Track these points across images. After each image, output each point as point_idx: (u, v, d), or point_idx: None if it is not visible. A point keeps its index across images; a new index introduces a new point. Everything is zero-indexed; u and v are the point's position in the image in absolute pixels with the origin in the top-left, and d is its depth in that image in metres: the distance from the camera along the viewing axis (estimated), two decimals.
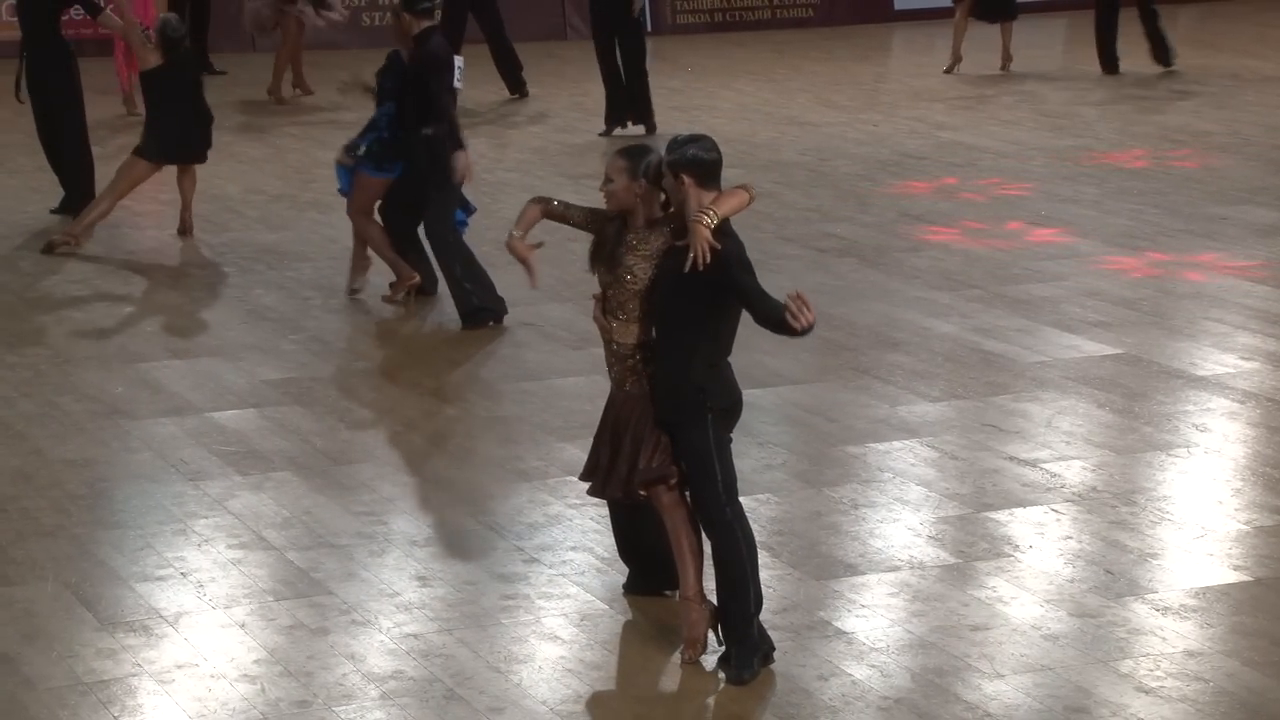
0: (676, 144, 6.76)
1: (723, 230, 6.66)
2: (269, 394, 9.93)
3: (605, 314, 6.97)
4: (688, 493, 6.90)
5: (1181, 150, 15.93)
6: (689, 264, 6.60)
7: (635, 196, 6.87)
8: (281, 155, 16.23)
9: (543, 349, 10.62)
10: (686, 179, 6.70)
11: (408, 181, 11.29)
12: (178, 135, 12.87)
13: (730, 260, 6.64)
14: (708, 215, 6.62)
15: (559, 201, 7.33)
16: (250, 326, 11.33)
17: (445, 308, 11.53)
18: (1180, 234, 13.26)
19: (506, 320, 11.20)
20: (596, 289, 7.06)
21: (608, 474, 7.00)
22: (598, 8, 16.94)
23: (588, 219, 7.15)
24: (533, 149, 16.29)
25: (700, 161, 6.71)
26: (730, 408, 6.87)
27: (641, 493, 6.92)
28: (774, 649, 6.83)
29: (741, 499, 8.06)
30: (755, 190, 6.89)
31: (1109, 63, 19.42)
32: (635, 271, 6.86)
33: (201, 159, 13.16)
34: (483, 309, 11.11)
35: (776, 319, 6.57)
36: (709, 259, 6.58)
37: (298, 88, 18.72)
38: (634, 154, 6.93)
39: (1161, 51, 19.36)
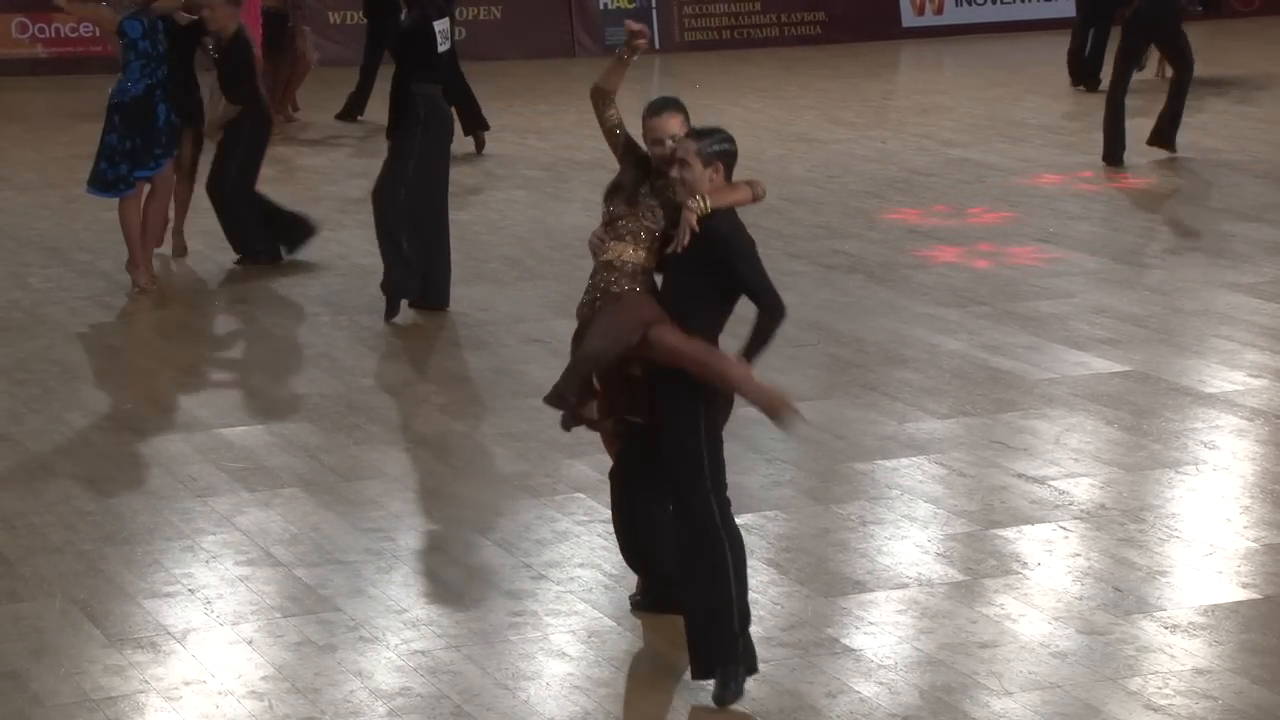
0: (708, 133, 6.79)
1: (723, 218, 6.71)
2: (277, 410, 9.94)
3: (609, 240, 7.00)
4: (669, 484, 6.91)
5: (1190, 167, 15.92)
6: (674, 246, 6.73)
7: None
8: (290, 172, 16.25)
9: (551, 365, 10.60)
10: (722, 167, 6.77)
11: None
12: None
13: (726, 241, 6.70)
14: (699, 202, 6.70)
15: (618, 118, 7.20)
16: (258, 343, 11.34)
17: (453, 324, 11.54)
18: (1188, 251, 13.26)
19: (514, 336, 11.20)
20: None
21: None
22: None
23: (622, 147, 7.11)
24: (540, 166, 16.31)
25: (730, 154, 6.79)
26: (721, 395, 6.84)
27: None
28: (755, 665, 6.74)
29: (749, 515, 8.07)
30: (762, 189, 6.90)
31: (1085, 77, 19.64)
32: (656, 212, 6.94)
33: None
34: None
35: (770, 324, 6.68)
36: (686, 241, 6.68)
37: (283, 111, 18.57)
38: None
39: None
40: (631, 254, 6.95)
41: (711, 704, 6.68)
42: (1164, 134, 16.15)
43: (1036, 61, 20.35)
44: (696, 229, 6.67)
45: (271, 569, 7.86)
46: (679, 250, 6.72)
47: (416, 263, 11.53)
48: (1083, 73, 19.70)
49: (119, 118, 11.96)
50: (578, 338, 7.17)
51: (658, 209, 6.95)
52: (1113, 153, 15.95)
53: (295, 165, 16.55)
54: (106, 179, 12.06)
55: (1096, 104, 18.92)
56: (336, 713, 6.64)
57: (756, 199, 6.88)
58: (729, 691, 6.66)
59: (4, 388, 10.34)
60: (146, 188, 12.18)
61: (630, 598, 7.45)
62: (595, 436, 9.24)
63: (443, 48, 11.52)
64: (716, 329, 6.84)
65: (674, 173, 6.78)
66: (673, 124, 6.90)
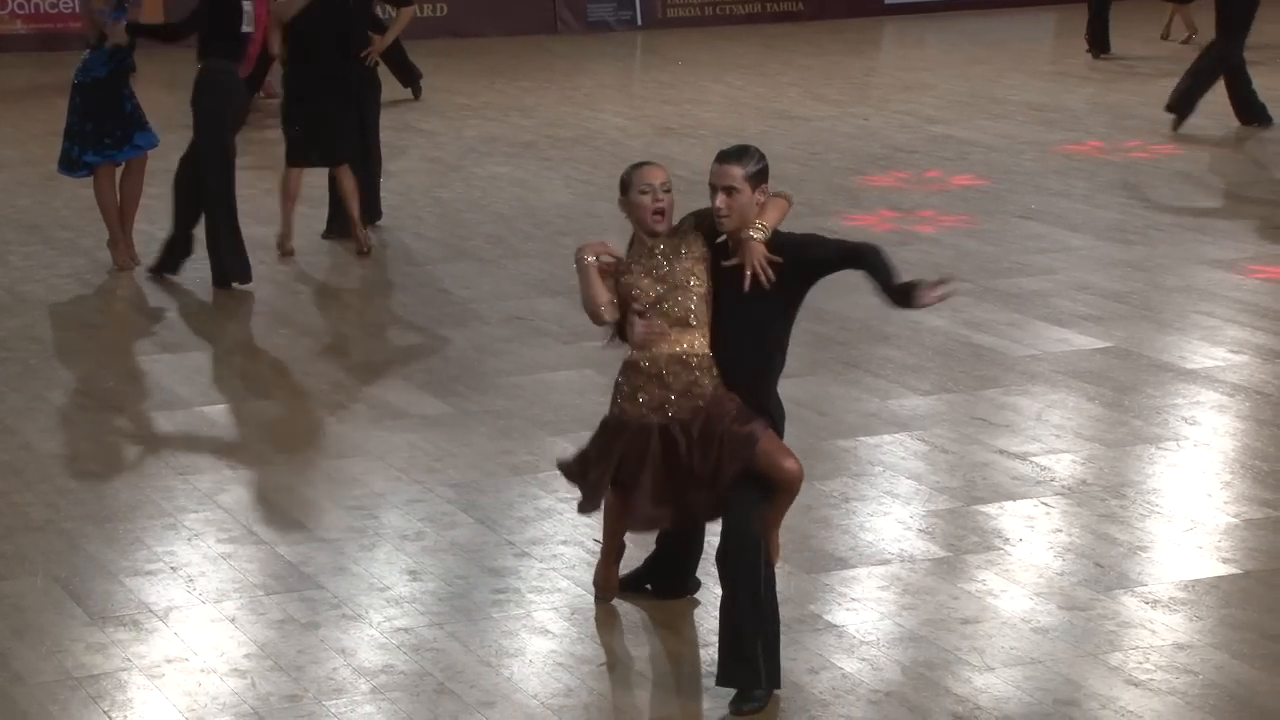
0: (746, 154, 6.61)
1: (775, 239, 6.58)
2: (259, 388, 9.93)
3: (670, 328, 6.60)
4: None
5: (1171, 143, 15.94)
6: (748, 282, 6.46)
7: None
8: (270, 149, 16.21)
9: (533, 343, 10.63)
10: (765, 189, 6.63)
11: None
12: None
13: (796, 246, 6.58)
14: (758, 229, 6.51)
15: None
16: (241, 320, 11.32)
17: (436, 301, 11.54)
18: (1170, 228, 13.27)
19: (497, 314, 11.20)
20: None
21: (678, 504, 6.73)
22: None
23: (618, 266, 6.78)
24: (522, 143, 16.29)
25: (767, 168, 6.67)
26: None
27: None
28: (779, 685, 6.58)
29: None
30: (791, 195, 6.82)
31: (1099, 44, 19.71)
32: (696, 273, 6.63)
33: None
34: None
35: (882, 261, 6.55)
36: (771, 275, 6.50)
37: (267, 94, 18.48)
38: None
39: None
40: (701, 342, 6.64)
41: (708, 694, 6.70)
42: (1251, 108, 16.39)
43: (1018, 38, 20.35)
44: (773, 258, 6.48)
45: (254, 546, 7.86)
46: (766, 286, 6.47)
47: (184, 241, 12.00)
48: (1099, 42, 19.73)
49: (79, 99, 11.97)
50: (619, 435, 6.74)
51: (695, 266, 6.62)
52: (1256, 114, 16.14)
53: (275, 141, 16.50)
54: (70, 157, 12.10)
55: (1080, 81, 18.94)
56: (319, 690, 6.64)
57: (791, 204, 6.75)
58: (746, 704, 6.46)
59: None
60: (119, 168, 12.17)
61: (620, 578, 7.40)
62: (578, 415, 9.25)
63: (248, 28, 11.84)
64: (784, 358, 6.84)
65: (718, 204, 6.50)
66: (658, 175, 6.70)
